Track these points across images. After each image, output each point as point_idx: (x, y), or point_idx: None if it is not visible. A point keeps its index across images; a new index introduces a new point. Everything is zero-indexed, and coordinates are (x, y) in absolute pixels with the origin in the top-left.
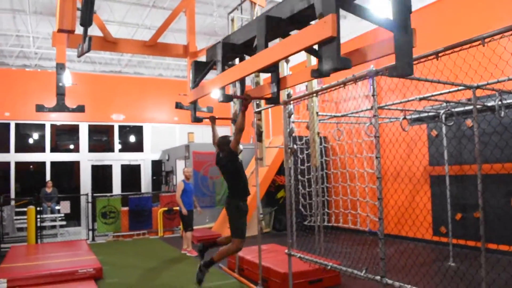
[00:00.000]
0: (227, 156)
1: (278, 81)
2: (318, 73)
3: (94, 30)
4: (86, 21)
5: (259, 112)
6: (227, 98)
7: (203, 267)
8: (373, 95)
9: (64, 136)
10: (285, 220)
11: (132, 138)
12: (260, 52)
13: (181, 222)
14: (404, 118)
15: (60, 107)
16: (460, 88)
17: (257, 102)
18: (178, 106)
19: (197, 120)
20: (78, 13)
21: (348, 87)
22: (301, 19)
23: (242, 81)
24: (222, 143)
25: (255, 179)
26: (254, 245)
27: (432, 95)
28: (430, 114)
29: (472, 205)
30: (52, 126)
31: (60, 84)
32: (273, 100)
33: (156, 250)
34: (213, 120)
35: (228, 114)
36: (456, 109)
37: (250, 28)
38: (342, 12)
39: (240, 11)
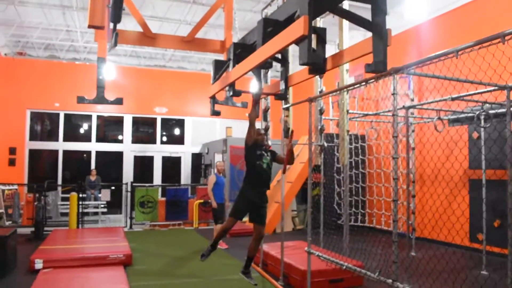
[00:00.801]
0: (244, 148)
1: (286, 78)
2: (313, 71)
3: (137, 26)
4: (115, 18)
5: (287, 109)
6: (236, 93)
7: (211, 246)
8: (393, 94)
9: (110, 127)
10: (320, 217)
11: (173, 131)
12: (256, 51)
13: (212, 214)
14: (439, 118)
15: (100, 99)
16: (491, 89)
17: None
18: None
19: (215, 113)
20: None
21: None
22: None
23: (259, 79)
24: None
25: (284, 176)
26: (291, 241)
27: (465, 95)
28: (468, 115)
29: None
30: (99, 117)
31: (100, 77)
32: (281, 96)
33: (188, 240)
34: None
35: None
36: (496, 111)
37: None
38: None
39: (275, 6)
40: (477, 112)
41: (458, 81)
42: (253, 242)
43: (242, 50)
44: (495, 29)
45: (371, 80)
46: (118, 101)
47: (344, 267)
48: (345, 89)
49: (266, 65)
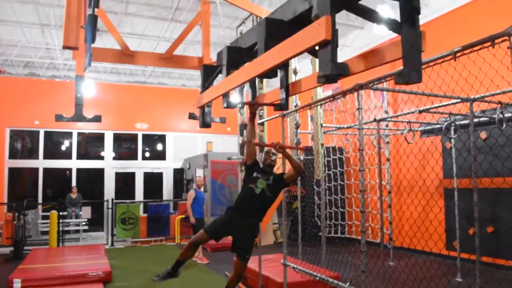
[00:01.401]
0: None
1: (287, 87)
2: (323, 79)
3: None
4: (90, 39)
5: (262, 124)
6: (231, 105)
7: (171, 269)
8: (358, 109)
9: (91, 144)
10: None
11: (155, 147)
12: (259, 57)
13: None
14: (410, 130)
15: (78, 117)
16: (455, 101)
17: (261, 113)
18: (191, 116)
19: (205, 125)
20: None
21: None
22: (305, 21)
23: (253, 88)
24: None
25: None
26: (270, 254)
27: (431, 108)
28: (436, 126)
29: (485, 220)
30: (79, 134)
31: (79, 95)
32: (282, 107)
33: (169, 256)
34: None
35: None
36: (464, 122)
37: (254, 32)
38: None
39: (251, 23)
40: (445, 124)
41: (423, 95)
42: (232, 278)
43: (237, 54)
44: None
45: (338, 96)
46: (97, 119)
47: (318, 278)
48: (319, 104)
49: (270, 73)
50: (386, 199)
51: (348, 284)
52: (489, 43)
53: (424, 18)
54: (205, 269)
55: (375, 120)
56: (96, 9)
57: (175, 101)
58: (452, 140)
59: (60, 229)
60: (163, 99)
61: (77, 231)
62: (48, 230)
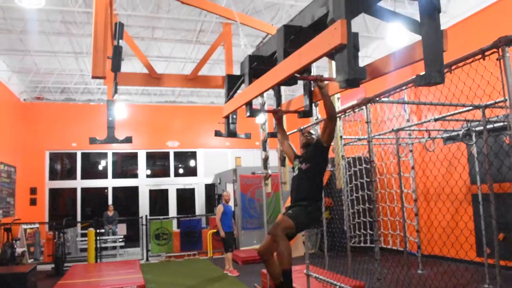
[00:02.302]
0: None
1: (311, 93)
2: (344, 84)
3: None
4: (115, 68)
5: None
6: (254, 113)
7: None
8: (366, 122)
9: (125, 163)
10: (331, 241)
11: (186, 163)
12: (278, 65)
13: (222, 243)
14: (429, 138)
15: (110, 139)
16: (468, 108)
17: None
18: (217, 134)
19: (231, 134)
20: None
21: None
22: (324, 26)
23: (278, 95)
24: None
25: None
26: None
27: (446, 115)
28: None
29: None
30: (114, 154)
31: (110, 118)
32: (306, 114)
33: (202, 270)
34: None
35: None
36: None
37: (274, 40)
38: None
39: None
40: (462, 131)
41: (431, 105)
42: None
43: (259, 63)
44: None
45: (348, 111)
46: (128, 140)
47: (337, 287)
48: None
49: (290, 81)
50: (412, 207)
51: None
52: (480, 56)
53: (442, 25)
54: (236, 281)
55: (392, 130)
56: (120, 40)
57: (204, 118)
58: (475, 146)
59: (98, 245)
60: (192, 117)
61: (114, 248)
62: (86, 247)
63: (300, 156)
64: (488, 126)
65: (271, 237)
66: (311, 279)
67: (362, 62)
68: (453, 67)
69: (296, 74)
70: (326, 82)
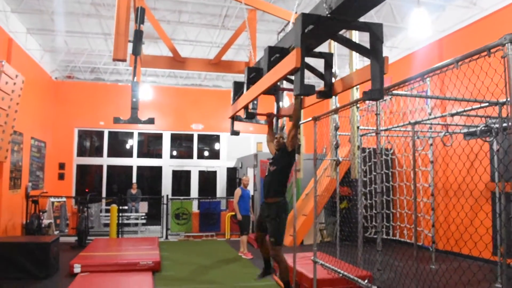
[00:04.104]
0: None
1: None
2: (320, 95)
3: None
4: (136, 51)
5: (298, 126)
6: (250, 116)
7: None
8: (376, 114)
9: (150, 143)
10: (347, 230)
11: (209, 146)
12: (261, 79)
13: (238, 226)
14: (447, 133)
15: (134, 119)
16: (484, 105)
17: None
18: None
19: (234, 133)
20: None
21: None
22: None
23: (277, 101)
24: None
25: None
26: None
27: (463, 111)
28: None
29: None
30: (140, 134)
31: (134, 99)
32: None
33: (217, 251)
34: (269, 120)
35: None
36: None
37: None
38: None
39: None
40: (480, 127)
41: (442, 99)
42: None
43: (256, 74)
44: None
45: (355, 104)
46: (150, 121)
47: (341, 275)
48: (354, 106)
49: (271, 91)
50: (430, 201)
51: (366, 281)
52: (485, 53)
53: (472, 17)
54: (249, 263)
55: (409, 123)
56: (142, 25)
57: (229, 103)
58: (495, 142)
59: (120, 221)
60: (217, 101)
61: (136, 224)
62: (109, 222)
63: (272, 158)
64: (506, 124)
65: (258, 234)
66: (317, 266)
67: (389, 53)
68: (459, 63)
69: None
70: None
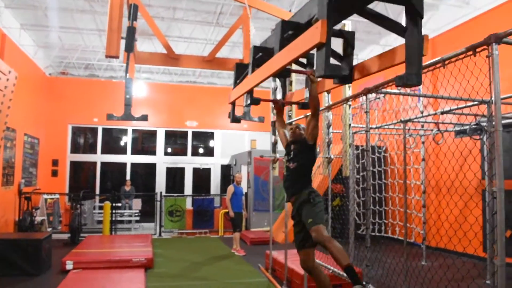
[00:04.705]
0: None
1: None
2: (338, 80)
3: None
4: (128, 48)
5: (290, 123)
6: (255, 101)
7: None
8: (365, 112)
9: (144, 140)
10: (340, 227)
11: (204, 144)
12: (272, 58)
13: (231, 223)
14: (438, 131)
15: (127, 116)
16: (474, 103)
17: (289, 113)
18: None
19: (235, 121)
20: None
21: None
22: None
23: (283, 86)
24: None
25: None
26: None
27: (454, 109)
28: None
29: None
30: (134, 131)
31: (128, 96)
32: (304, 106)
33: (210, 248)
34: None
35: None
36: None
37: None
38: None
39: None
40: (470, 125)
41: (432, 97)
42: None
43: (263, 54)
44: None
45: (349, 100)
46: (144, 118)
47: (331, 271)
48: (346, 103)
49: (283, 73)
50: (421, 199)
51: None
52: (471, 52)
53: (464, 16)
54: (241, 260)
55: (401, 121)
56: (135, 22)
57: (224, 100)
58: (486, 141)
59: (113, 218)
60: (212, 98)
61: (130, 221)
62: (102, 220)
63: (288, 153)
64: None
65: (302, 252)
66: None
67: (382, 51)
68: (446, 62)
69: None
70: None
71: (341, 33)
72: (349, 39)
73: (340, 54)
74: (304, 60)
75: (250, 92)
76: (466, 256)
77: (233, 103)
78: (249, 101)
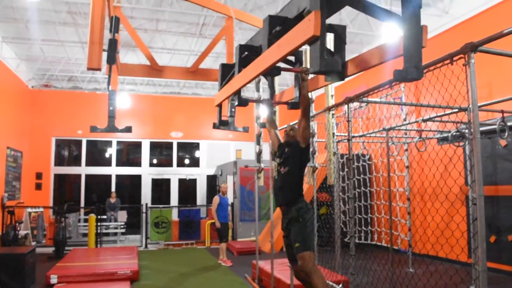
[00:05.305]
0: None
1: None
2: (330, 77)
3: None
4: (110, 60)
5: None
6: (243, 102)
7: None
8: (347, 121)
9: (129, 152)
10: (327, 236)
11: (189, 154)
12: (261, 55)
13: (217, 233)
14: (420, 138)
15: (111, 128)
16: (455, 111)
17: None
18: (216, 126)
19: (222, 123)
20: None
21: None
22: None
23: (271, 86)
24: None
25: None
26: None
27: (434, 117)
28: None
29: (507, 228)
30: (118, 142)
31: (111, 108)
32: (294, 105)
33: (197, 259)
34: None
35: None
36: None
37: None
38: None
39: None
40: (451, 132)
41: (412, 105)
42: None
43: (250, 52)
44: None
45: (332, 109)
46: (128, 129)
47: None
48: (329, 112)
49: (273, 71)
50: (406, 206)
51: (340, 285)
52: (448, 61)
53: (444, 25)
54: (228, 271)
55: (384, 129)
56: (116, 34)
57: (208, 110)
58: (467, 147)
59: (99, 231)
60: (197, 108)
61: (116, 234)
62: (87, 232)
63: (279, 156)
64: (484, 129)
65: (294, 266)
66: None
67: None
68: (424, 71)
69: (279, 65)
70: (310, 75)
71: (331, 28)
72: (340, 33)
73: (331, 50)
74: (292, 58)
75: (237, 93)
76: (451, 262)
77: (219, 106)
78: (237, 102)
